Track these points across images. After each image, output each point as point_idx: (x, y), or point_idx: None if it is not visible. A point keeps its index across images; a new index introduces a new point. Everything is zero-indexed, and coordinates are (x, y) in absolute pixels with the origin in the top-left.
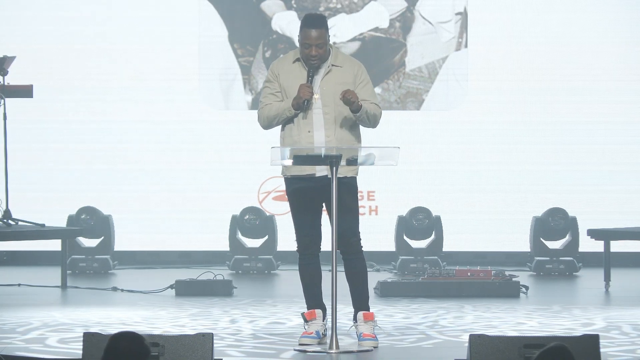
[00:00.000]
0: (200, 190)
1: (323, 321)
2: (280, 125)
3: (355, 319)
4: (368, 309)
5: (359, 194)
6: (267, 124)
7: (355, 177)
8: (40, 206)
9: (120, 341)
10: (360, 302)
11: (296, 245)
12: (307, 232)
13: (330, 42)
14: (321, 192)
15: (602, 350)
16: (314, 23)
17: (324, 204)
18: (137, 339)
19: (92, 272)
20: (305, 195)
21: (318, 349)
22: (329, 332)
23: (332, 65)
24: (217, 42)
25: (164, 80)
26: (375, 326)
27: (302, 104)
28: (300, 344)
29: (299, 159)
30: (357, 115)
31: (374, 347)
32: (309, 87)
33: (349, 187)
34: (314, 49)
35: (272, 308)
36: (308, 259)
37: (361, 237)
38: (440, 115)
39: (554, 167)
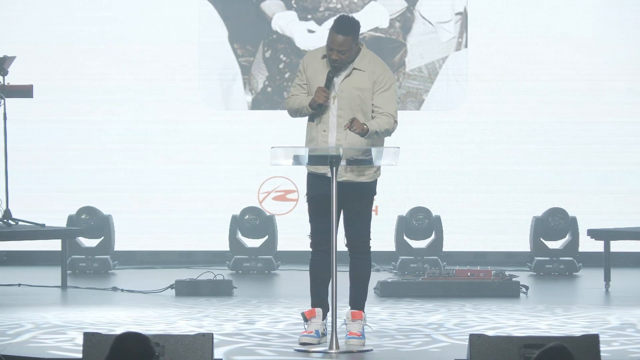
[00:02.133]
0: (200, 190)
1: (323, 320)
2: (306, 120)
3: (346, 316)
4: (360, 309)
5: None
6: (291, 114)
7: (374, 182)
8: (40, 206)
9: (125, 341)
10: (354, 302)
11: (309, 241)
12: (321, 232)
13: (360, 42)
14: (341, 198)
15: (620, 348)
16: (342, 28)
17: (341, 210)
18: (142, 340)
19: (92, 272)
20: (324, 201)
21: (319, 348)
22: (329, 332)
23: (354, 68)
24: (217, 42)
25: (164, 80)
26: (364, 325)
27: (317, 107)
28: (300, 343)
29: (299, 159)
30: (365, 137)
31: (360, 346)
32: (324, 91)
33: (365, 191)
34: (335, 53)
35: (273, 308)
36: (319, 256)
37: (371, 238)
38: (440, 115)
39: (554, 167)
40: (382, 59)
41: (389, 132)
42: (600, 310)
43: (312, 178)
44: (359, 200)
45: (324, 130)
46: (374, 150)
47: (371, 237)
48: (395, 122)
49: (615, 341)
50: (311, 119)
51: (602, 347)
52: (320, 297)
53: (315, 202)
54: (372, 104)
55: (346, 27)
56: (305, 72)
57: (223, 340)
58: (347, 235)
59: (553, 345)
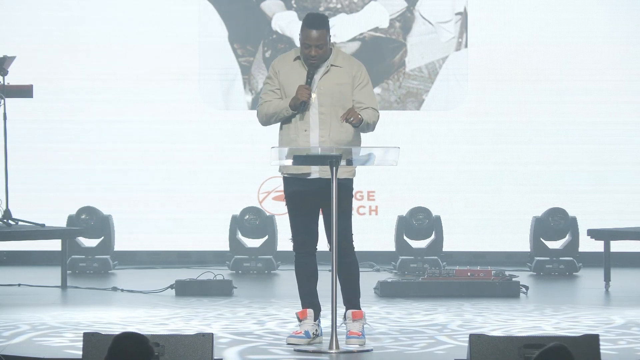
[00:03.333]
0: (200, 190)
1: (315, 321)
2: (279, 124)
3: (344, 317)
4: (358, 308)
5: (358, 194)
6: (265, 121)
7: (352, 179)
8: (40, 206)
9: (124, 342)
10: (350, 301)
11: (292, 244)
12: (303, 233)
13: (332, 42)
14: (318, 196)
15: (627, 346)
16: (315, 23)
17: (321, 210)
18: (141, 340)
19: (92, 272)
20: (303, 199)
21: (318, 349)
22: (330, 332)
23: (332, 65)
24: (217, 42)
25: (164, 80)
26: (365, 324)
27: (300, 105)
28: (287, 344)
29: (298, 159)
30: (356, 128)
31: (360, 345)
32: (307, 88)
33: (344, 189)
34: (314, 49)
35: (271, 307)
36: (303, 258)
37: (354, 238)
38: (440, 115)
39: (554, 167)
40: (382, 59)
41: (374, 125)
42: (602, 310)
43: (289, 180)
44: (341, 197)
45: (305, 130)
46: (374, 151)
47: (371, 237)
48: (378, 115)
49: (621, 339)
50: (287, 121)
51: (609, 346)
52: (309, 299)
53: (294, 202)
54: (353, 100)
55: (318, 21)
56: (278, 77)
57: (226, 341)
58: (330, 235)
59: (553, 345)
